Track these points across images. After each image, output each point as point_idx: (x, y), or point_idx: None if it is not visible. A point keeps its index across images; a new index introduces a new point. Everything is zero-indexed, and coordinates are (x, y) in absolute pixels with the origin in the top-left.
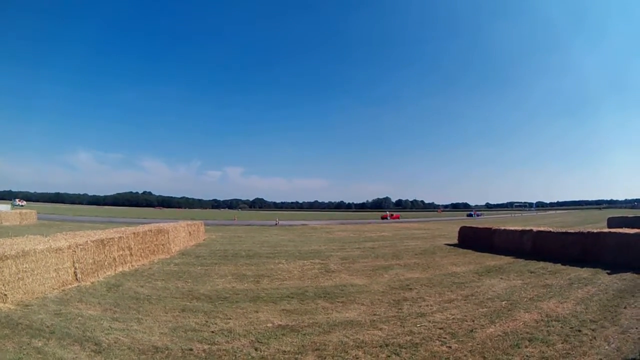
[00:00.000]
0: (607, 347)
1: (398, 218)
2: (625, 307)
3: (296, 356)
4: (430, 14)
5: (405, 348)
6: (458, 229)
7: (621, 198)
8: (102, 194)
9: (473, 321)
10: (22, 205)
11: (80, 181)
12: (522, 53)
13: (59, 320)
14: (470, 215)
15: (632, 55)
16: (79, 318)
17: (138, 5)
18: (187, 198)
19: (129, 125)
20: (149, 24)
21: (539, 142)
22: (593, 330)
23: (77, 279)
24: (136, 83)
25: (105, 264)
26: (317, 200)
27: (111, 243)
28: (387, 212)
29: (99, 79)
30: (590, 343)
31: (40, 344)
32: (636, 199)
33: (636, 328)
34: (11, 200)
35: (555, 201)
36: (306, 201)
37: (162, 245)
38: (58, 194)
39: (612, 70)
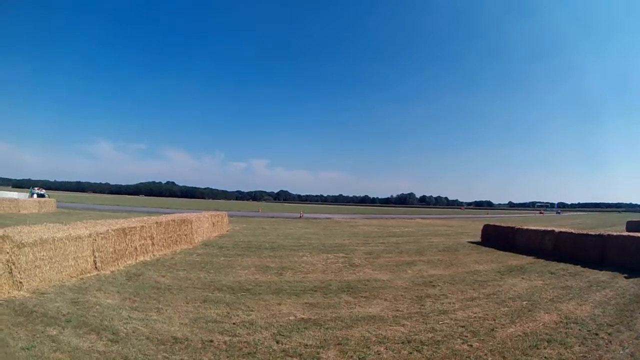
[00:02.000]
0: (621, 352)
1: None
2: None
3: (318, 350)
4: (454, 13)
5: (427, 345)
6: (481, 226)
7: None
8: (124, 184)
9: (494, 320)
10: (42, 194)
11: (102, 170)
12: (544, 53)
13: (75, 308)
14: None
15: None
16: (97, 307)
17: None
18: (211, 189)
19: (150, 117)
20: (172, 17)
21: (563, 142)
22: (609, 334)
23: (96, 267)
24: (158, 76)
25: (127, 252)
26: (341, 194)
27: (133, 232)
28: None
29: (120, 71)
30: (606, 347)
31: (54, 332)
32: None
33: None
34: (29, 188)
35: (577, 202)
36: (331, 194)
37: (185, 235)
38: (79, 182)
39: (638, 70)
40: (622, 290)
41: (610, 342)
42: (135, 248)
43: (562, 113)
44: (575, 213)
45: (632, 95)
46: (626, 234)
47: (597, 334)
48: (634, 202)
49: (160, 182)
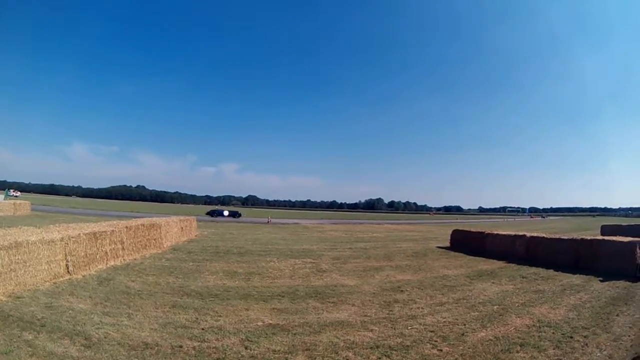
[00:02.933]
0: (598, 354)
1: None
2: (617, 315)
3: (286, 356)
4: (431, 16)
5: (395, 350)
6: (450, 232)
7: (615, 206)
8: (96, 187)
9: (464, 325)
10: (16, 196)
11: (75, 173)
12: (521, 58)
13: (49, 313)
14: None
15: (632, 63)
16: (70, 311)
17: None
18: (180, 193)
19: (124, 118)
20: (147, 18)
21: (534, 148)
22: (585, 337)
23: (69, 271)
24: (132, 76)
25: (97, 257)
26: (309, 199)
27: (103, 236)
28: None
29: (96, 71)
30: (582, 350)
31: (30, 337)
32: (630, 208)
33: (628, 336)
34: (4, 190)
35: (549, 207)
36: (299, 200)
37: (154, 240)
38: (53, 185)
39: (612, 78)
40: (598, 293)
41: (587, 344)
42: (106, 252)
43: (537, 118)
44: (552, 217)
45: (609, 100)
46: (600, 237)
47: (572, 337)
48: (608, 207)
49: (130, 186)
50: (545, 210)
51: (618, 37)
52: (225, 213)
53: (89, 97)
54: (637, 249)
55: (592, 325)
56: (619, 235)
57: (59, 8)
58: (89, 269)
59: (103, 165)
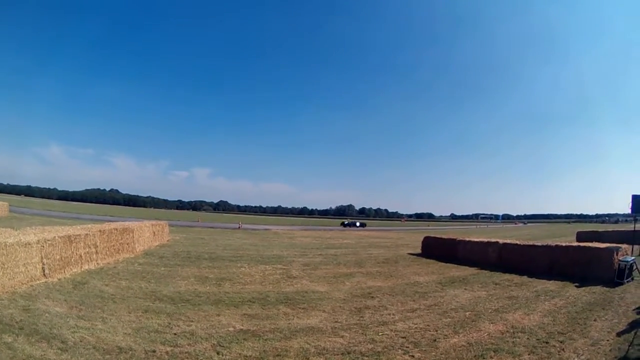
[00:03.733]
0: (576, 359)
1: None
2: (595, 320)
3: None
4: (406, 21)
5: (367, 356)
6: (422, 238)
7: (591, 212)
8: (71, 189)
9: (436, 331)
10: None
11: (51, 175)
12: (492, 66)
13: (27, 316)
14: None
15: (603, 73)
16: (46, 315)
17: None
18: (153, 197)
19: (99, 121)
20: (123, 21)
21: (508, 155)
22: (561, 342)
23: (44, 274)
24: (109, 79)
25: (72, 260)
26: (280, 205)
27: (78, 240)
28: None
29: (73, 73)
30: (559, 355)
31: (10, 340)
32: (607, 214)
33: (607, 340)
34: None
35: (523, 214)
36: (270, 205)
37: (127, 244)
38: (29, 187)
39: (584, 86)
40: (574, 298)
41: (563, 349)
42: (81, 256)
43: (510, 125)
44: (521, 224)
45: (581, 107)
46: (576, 244)
47: (547, 343)
48: (584, 213)
49: (104, 189)
50: (519, 217)
51: (590, 47)
52: (357, 224)
53: (65, 98)
54: (615, 255)
55: (568, 331)
56: (595, 241)
57: (35, 13)
58: (64, 272)
59: (78, 168)
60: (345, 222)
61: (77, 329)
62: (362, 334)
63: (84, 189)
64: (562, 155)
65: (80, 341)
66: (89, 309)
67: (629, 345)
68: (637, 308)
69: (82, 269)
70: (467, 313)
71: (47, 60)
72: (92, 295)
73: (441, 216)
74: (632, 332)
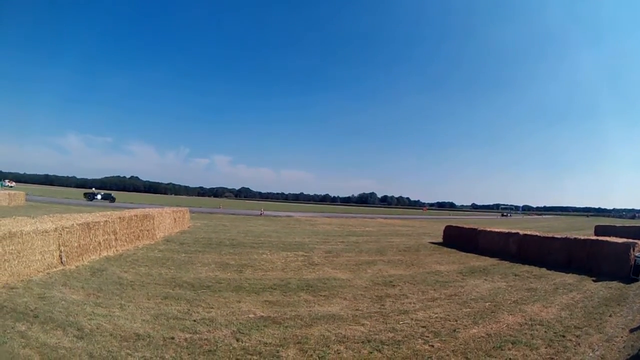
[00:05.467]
0: (591, 354)
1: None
2: (610, 316)
3: (278, 349)
4: (423, 14)
5: (387, 345)
6: (443, 227)
7: (610, 207)
8: (90, 177)
9: (456, 321)
10: (11, 187)
11: (69, 164)
12: (515, 57)
13: (42, 304)
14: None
15: (625, 62)
16: (62, 302)
17: None
18: (174, 184)
19: (118, 110)
20: (139, 12)
21: (529, 146)
22: (577, 336)
23: (62, 262)
24: (126, 69)
25: (90, 247)
26: (302, 192)
27: (97, 227)
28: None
29: (90, 64)
30: (574, 349)
31: (23, 328)
32: (625, 209)
33: (621, 337)
34: (0, 180)
35: (542, 206)
36: (292, 193)
37: (147, 231)
38: (47, 176)
39: (606, 76)
40: (591, 293)
41: (579, 344)
42: (99, 243)
43: (531, 116)
44: (540, 216)
45: (604, 99)
46: (594, 237)
47: (564, 336)
48: (602, 207)
49: (124, 177)
50: (538, 209)
51: (611, 36)
52: None
53: (83, 89)
54: (632, 250)
55: (584, 325)
56: (613, 235)
57: (54, 5)
58: (82, 259)
59: (97, 157)
60: None
61: (94, 316)
62: (383, 322)
63: (103, 177)
64: (580, 150)
65: (97, 328)
66: (106, 295)
67: None
68: None
69: (101, 256)
70: (487, 304)
71: (63, 53)
72: (110, 282)
73: (462, 205)
74: None
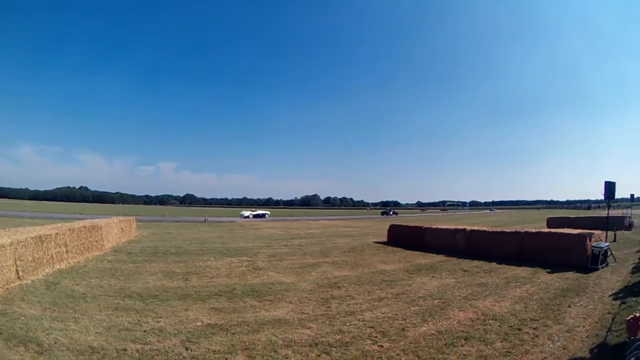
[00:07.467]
0: (551, 346)
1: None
2: (569, 306)
3: (226, 356)
4: (369, 12)
5: (335, 347)
6: (387, 227)
7: (562, 199)
8: (42, 189)
9: (404, 320)
10: None
11: (22, 175)
12: (461, 56)
13: (5, 320)
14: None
15: (572, 60)
16: (22, 318)
17: None
18: (121, 193)
19: (66, 118)
20: (84, 15)
21: (475, 144)
22: (534, 329)
23: (19, 277)
24: (73, 74)
25: (44, 261)
26: (245, 197)
27: (49, 240)
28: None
29: (37, 69)
30: (533, 341)
31: None
32: (579, 200)
33: (583, 326)
34: None
35: (491, 200)
36: (235, 197)
37: (96, 241)
38: (1, 188)
39: (552, 74)
40: (546, 285)
41: (537, 336)
42: (52, 256)
43: (477, 113)
44: (488, 211)
45: (552, 94)
46: (547, 230)
47: (520, 329)
48: (554, 199)
49: (74, 187)
50: (487, 204)
51: (558, 35)
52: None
53: (32, 96)
54: (588, 241)
55: (541, 317)
56: (567, 227)
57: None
58: (37, 273)
59: (49, 167)
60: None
61: (51, 330)
62: (330, 324)
63: (54, 187)
64: (531, 143)
65: (55, 343)
66: (61, 309)
67: (607, 331)
68: (614, 294)
69: (54, 269)
70: (436, 301)
71: (10, 58)
72: (64, 296)
73: (407, 204)
74: (610, 318)
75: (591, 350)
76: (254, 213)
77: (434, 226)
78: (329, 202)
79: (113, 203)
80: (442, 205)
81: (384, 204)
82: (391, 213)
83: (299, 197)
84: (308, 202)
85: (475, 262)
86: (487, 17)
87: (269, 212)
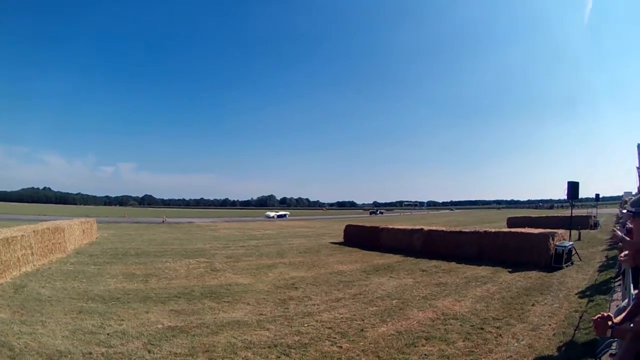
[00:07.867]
0: (516, 344)
1: None
2: (533, 305)
3: (187, 358)
4: (327, 10)
5: (294, 348)
6: (343, 227)
7: (523, 199)
8: (9, 189)
9: (363, 320)
10: None
11: None
12: (421, 58)
13: None
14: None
15: (530, 63)
16: None
17: None
18: (82, 194)
19: (31, 117)
20: (48, 13)
21: (434, 144)
22: (498, 327)
23: None
24: (38, 72)
25: (11, 263)
26: (203, 198)
27: (15, 242)
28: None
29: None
30: (496, 340)
31: None
32: (541, 200)
33: (549, 325)
34: None
35: (449, 200)
36: (192, 198)
37: (59, 244)
38: None
39: (512, 77)
40: (508, 284)
41: (501, 335)
42: (18, 258)
43: (436, 114)
44: (447, 211)
45: (508, 97)
46: (507, 229)
47: (482, 329)
48: (515, 199)
49: (38, 188)
50: (445, 204)
51: (522, 37)
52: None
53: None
54: (551, 240)
55: (504, 316)
56: (529, 227)
57: None
58: (5, 276)
59: (15, 167)
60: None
61: (21, 334)
62: (288, 325)
63: (20, 188)
64: (490, 144)
65: (25, 347)
66: (29, 313)
67: (575, 329)
68: (581, 292)
69: (21, 272)
70: (394, 301)
71: None
72: (31, 299)
73: (364, 204)
74: (578, 316)
75: (559, 348)
76: (278, 214)
77: (390, 226)
78: (285, 203)
79: (75, 204)
80: (399, 205)
81: (340, 204)
82: (378, 213)
83: (255, 197)
84: (264, 203)
85: (434, 262)
86: (446, 21)
87: (288, 213)
